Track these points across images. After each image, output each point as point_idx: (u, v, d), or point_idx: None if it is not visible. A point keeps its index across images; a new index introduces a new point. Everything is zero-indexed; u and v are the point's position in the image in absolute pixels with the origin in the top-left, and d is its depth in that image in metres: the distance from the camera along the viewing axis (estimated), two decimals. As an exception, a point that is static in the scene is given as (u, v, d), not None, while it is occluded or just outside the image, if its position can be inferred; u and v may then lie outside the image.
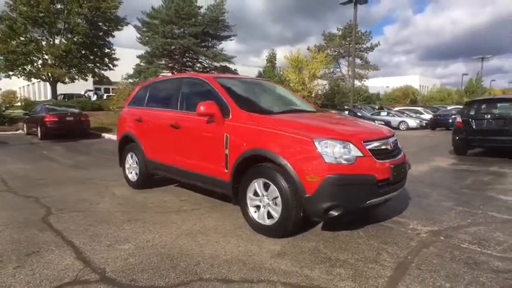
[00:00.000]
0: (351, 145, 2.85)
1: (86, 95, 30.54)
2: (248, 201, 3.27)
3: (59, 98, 24.11)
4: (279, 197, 2.96)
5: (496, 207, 4.00)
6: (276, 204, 3.04)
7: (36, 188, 5.08)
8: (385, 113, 23.15)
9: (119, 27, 23.48)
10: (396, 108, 27.44)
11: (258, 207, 3.23)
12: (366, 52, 42.98)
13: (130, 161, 5.05)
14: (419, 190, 4.76)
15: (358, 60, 44.48)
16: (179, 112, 4.10)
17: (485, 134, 7.61)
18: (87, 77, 24.15)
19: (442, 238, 3.07)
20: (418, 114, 23.95)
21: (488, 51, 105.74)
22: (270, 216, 3.11)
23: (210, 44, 26.65)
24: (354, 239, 3.06)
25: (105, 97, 28.94)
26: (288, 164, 2.85)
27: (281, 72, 31.72)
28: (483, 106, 8.09)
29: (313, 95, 30.93)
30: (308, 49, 39.90)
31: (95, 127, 15.40)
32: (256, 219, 3.20)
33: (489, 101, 8.30)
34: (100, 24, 22.62)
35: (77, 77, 22.79)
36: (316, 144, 2.81)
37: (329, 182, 2.73)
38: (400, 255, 2.71)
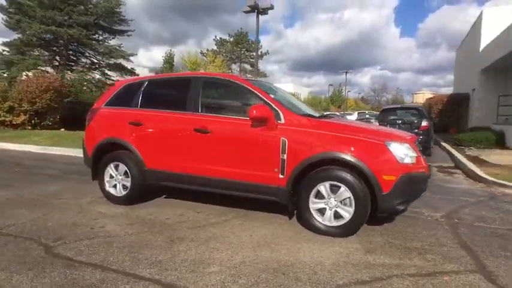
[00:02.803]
0: (410, 146, 3.25)
1: None
2: (311, 205, 3.29)
3: None
4: (351, 197, 3.12)
5: (456, 193, 5.11)
6: (345, 204, 3.18)
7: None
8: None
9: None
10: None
11: (320, 210, 3.29)
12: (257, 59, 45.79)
13: (114, 172, 4.25)
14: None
15: (248, 67, 47.13)
16: (205, 115, 3.73)
17: (396, 135, 9.35)
18: None
19: (457, 220, 3.80)
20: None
21: (342, 66, 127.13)
22: (336, 217, 3.22)
23: (100, 38, 23.74)
24: (402, 229, 3.48)
25: None
26: (366, 166, 3.05)
27: (179, 74, 30.85)
28: (391, 113, 9.96)
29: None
30: (201, 53, 40.21)
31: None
32: (322, 222, 3.26)
33: (395, 109, 10.29)
34: None
35: None
36: (389, 146, 3.10)
37: (403, 180, 3.06)
38: (452, 237, 3.25)
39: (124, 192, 4.23)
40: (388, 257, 2.80)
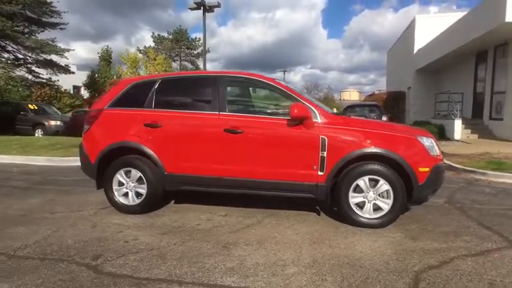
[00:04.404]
0: (434, 140, 3.58)
1: None
2: (350, 200, 3.43)
3: None
4: (390, 189, 3.34)
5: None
6: (383, 196, 3.38)
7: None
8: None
9: None
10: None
11: (358, 204, 3.44)
12: (197, 58, 44.92)
13: (125, 179, 3.88)
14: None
15: (189, 65, 45.96)
16: (235, 115, 3.62)
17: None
18: None
19: (459, 205, 4.29)
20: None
21: (276, 65, 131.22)
22: (375, 209, 3.42)
23: (26, 30, 21.02)
24: (423, 216, 3.82)
25: None
26: (404, 159, 3.29)
27: (118, 73, 28.88)
28: (353, 109, 10.71)
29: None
30: (139, 50, 38.03)
31: None
32: (362, 215, 3.42)
33: (354, 106, 11.09)
34: None
35: None
36: (421, 141, 3.38)
37: (435, 171, 3.37)
38: (469, 220, 3.68)
39: (138, 201, 3.89)
40: (435, 241, 3.06)
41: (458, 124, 10.83)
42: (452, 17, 13.12)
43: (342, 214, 3.51)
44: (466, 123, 11.22)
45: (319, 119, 3.48)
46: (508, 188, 5.27)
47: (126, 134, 3.86)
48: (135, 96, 3.99)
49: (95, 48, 74.63)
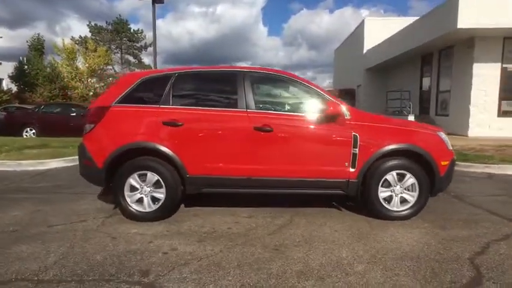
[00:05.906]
0: (446, 135, 3.87)
1: None
2: (379, 194, 3.54)
3: None
4: (416, 183, 3.53)
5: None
6: (409, 190, 3.56)
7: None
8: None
9: None
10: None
11: (385, 198, 3.57)
12: (140, 51, 42.52)
13: (139, 184, 3.52)
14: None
15: (131, 59, 43.29)
16: (265, 113, 3.49)
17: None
18: None
19: (453, 194, 4.70)
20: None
21: (217, 61, 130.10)
22: (401, 202, 3.58)
23: None
24: (434, 206, 4.07)
25: None
26: (430, 154, 3.49)
27: (53, 64, 25.98)
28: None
29: (91, 93, 27.87)
30: (75, 41, 34.71)
31: None
32: (391, 208, 3.56)
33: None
34: None
35: None
36: (441, 136, 3.63)
37: (451, 164, 3.65)
38: (474, 207, 4.06)
39: (155, 206, 3.55)
40: (462, 229, 3.31)
41: (411, 119, 11.88)
42: (399, 20, 14.30)
43: (372, 208, 3.60)
44: (416, 119, 12.36)
45: (348, 116, 3.52)
46: (480, 177, 5.93)
47: (140, 134, 3.50)
48: (148, 92, 3.63)
49: (11, 36, 64.89)
